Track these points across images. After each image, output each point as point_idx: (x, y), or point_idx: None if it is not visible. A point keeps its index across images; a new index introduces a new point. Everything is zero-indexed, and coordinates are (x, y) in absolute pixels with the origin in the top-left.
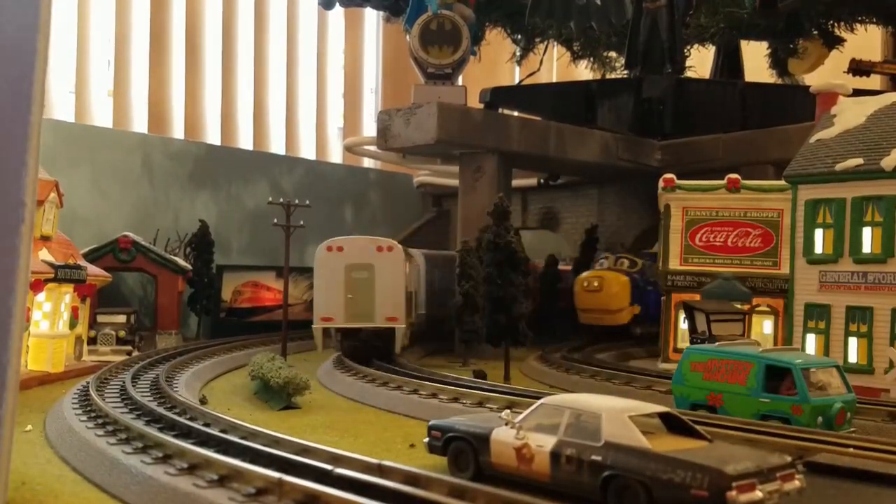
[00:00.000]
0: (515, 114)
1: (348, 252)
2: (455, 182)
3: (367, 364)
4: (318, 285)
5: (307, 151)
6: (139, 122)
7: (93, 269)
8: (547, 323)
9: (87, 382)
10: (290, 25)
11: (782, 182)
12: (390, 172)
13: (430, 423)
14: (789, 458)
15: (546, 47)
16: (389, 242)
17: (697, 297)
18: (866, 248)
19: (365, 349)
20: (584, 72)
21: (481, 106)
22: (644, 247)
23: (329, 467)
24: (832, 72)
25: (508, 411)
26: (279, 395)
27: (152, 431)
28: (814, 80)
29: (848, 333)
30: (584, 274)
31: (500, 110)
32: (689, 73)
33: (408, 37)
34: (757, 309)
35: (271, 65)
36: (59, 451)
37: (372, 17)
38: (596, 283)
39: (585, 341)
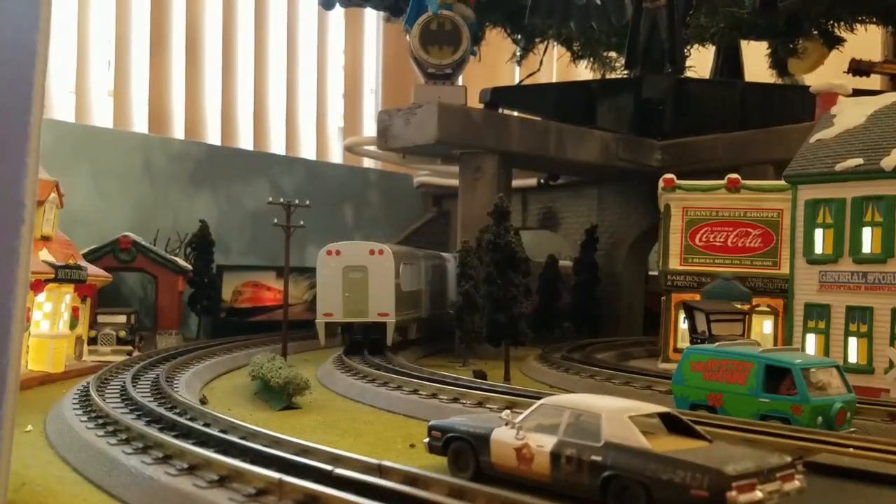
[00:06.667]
0: (515, 114)
1: (345, 255)
2: (455, 182)
3: (363, 358)
4: (320, 284)
5: (307, 152)
6: (139, 123)
7: (93, 270)
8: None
9: (88, 383)
10: (291, 26)
11: (782, 182)
12: (390, 173)
13: (430, 423)
14: (789, 459)
15: (546, 47)
16: (381, 247)
17: (697, 297)
18: (866, 248)
19: (363, 342)
20: (584, 72)
21: (481, 106)
22: (644, 247)
23: (329, 468)
24: (832, 72)
25: (508, 411)
26: (279, 396)
27: (152, 432)
28: (814, 80)
29: (848, 333)
30: None
31: (500, 110)
32: (689, 73)
33: (408, 37)
34: (757, 309)
35: (271, 65)
36: (60, 452)
37: (372, 18)
38: None
39: None
